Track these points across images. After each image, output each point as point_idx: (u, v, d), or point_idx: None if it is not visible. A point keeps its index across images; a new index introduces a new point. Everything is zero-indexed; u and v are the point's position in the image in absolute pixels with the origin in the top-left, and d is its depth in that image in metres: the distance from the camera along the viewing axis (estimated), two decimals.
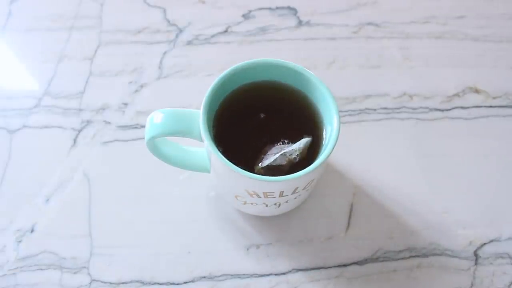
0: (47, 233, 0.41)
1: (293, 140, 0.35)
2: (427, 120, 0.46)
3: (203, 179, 0.42)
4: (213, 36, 0.51)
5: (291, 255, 0.40)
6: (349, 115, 0.46)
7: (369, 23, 0.52)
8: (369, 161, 0.44)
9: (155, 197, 0.43)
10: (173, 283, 0.39)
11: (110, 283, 0.39)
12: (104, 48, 0.50)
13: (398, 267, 0.40)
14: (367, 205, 0.42)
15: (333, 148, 0.32)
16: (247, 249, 0.41)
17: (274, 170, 0.33)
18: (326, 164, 0.33)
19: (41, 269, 0.40)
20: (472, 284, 0.39)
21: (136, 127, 0.46)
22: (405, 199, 0.43)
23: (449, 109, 0.47)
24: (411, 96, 0.48)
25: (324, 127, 0.35)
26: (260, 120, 0.36)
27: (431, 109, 0.47)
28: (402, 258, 0.40)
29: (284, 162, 0.33)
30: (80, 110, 0.46)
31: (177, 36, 0.51)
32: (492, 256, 0.40)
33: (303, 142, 0.34)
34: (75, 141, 0.45)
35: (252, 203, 0.36)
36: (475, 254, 0.40)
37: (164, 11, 0.52)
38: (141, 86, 0.48)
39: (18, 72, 0.49)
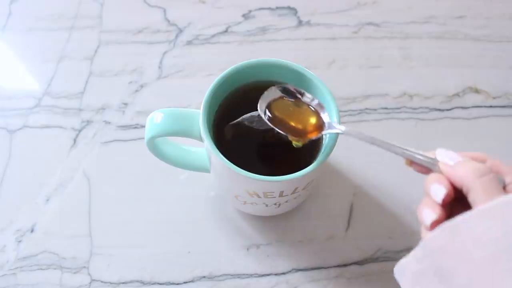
0: (47, 233, 0.41)
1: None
2: (427, 120, 0.46)
3: (203, 179, 0.42)
4: (213, 36, 0.51)
5: (291, 255, 0.40)
6: (349, 115, 0.46)
7: (369, 23, 0.52)
8: (369, 161, 0.44)
9: (155, 197, 0.43)
10: (173, 283, 0.39)
11: (110, 283, 0.39)
12: (104, 48, 0.50)
13: None
14: (367, 205, 0.42)
15: (333, 148, 0.32)
16: (247, 249, 0.41)
17: (244, 131, 0.35)
18: (326, 164, 0.33)
19: (41, 269, 0.40)
20: None
21: (136, 127, 0.46)
22: (405, 199, 0.43)
23: (449, 109, 0.47)
24: (411, 96, 0.48)
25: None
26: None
27: (431, 109, 0.47)
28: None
29: (252, 124, 0.34)
30: (80, 110, 0.46)
31: (177, 36, 0.51)
32: None
33: None
34: (75, 141, 0.45)
35: (252, 203, 0.36)
36: None
37: (164, 11, 0.52)
38: (141, 86, 0.48)
39: (18, 72, 0.49)
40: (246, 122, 0.34)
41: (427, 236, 0.25)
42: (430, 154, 0.28)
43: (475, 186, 0.24)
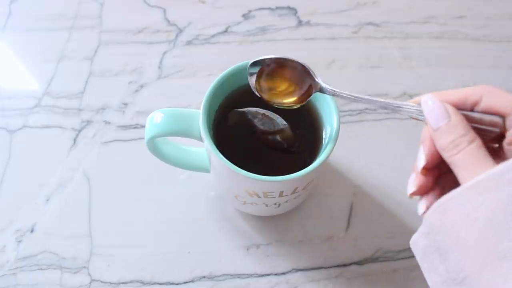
0: (47, 233, 0.41)
1: (292, 140, 0.35)
2: None
3: (203, 179, 0.42)
4: (213, 36, 0.51)
5: (291, 255, 0.40)
6: (349, 115, 0.46)
7: (369, 23, 0.52)
8: (369, 161, 0.44)
9: (155, 197, 0.43)
10: (173, 283, 0.39)
11: (110, 283, 0.39)
12: (104, 48, 0.50)
13: (398, 267, 0.40)
14: (367, 205, 0.42)
15: (333, 148, 0.32)
16: (247, 249, 0.41)
17: (245, 129, 0.35)
18: (326, 164, 0.33)
19: (41, 269, 0.40)
20: None
21: (136, 127, 0.46)
22: (405, 199, 0.42)
23: None
24: (411, 96, 0.48)
25: (323, 127, 0.35)
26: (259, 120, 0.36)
27: None
28: (402, 258, 0.40)
29: (254, 120, 0.35)
30: (80, 110, 0.46)
31: (177, 36, 0.51)
32: None
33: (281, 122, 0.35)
34: (75, 141, 0.45)
35: (251, 203, 0.36)
36: None
37: (164, 11, 0.52)
38: (141, 86, 0.48)
39: (18, 72, 0.49)
40: (249, 116, 0.35)
41: (426, 213, 0.25)
42: (417, 101, 0.27)
43: (456, 162, 0.23)
